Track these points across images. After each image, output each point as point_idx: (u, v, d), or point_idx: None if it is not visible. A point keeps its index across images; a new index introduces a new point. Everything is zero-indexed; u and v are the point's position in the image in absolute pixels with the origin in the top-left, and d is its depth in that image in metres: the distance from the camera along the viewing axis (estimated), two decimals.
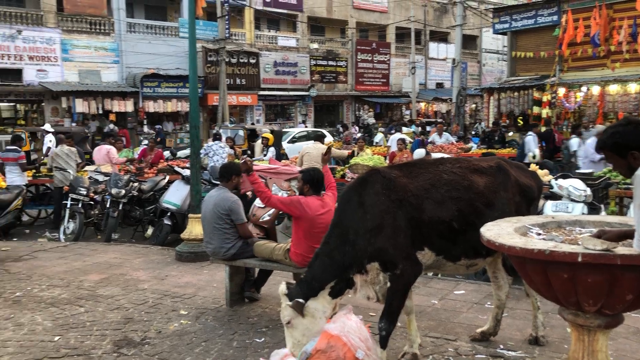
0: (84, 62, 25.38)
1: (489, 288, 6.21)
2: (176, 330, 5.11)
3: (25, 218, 11.23)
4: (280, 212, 7.51)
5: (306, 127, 25.24)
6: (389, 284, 3.95)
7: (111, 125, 24.59)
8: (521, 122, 23.35)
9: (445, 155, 9.70)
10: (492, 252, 4.13)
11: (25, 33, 23.71)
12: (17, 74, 23.76)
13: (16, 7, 24.28)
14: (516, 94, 23.03)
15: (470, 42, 40.58)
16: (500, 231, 3.18)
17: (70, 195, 9.70)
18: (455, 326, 5.12)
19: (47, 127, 18.14)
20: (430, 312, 5.49)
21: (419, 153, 9.49)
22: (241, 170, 5.48)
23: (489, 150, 14.23)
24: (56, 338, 4.93)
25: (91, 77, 25.45)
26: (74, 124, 23.86)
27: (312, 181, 5.25)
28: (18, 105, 25.79)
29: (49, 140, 15.62)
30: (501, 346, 4.58)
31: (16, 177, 10.62)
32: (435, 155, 9.72)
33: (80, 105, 24.06)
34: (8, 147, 11.03)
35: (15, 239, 9.86)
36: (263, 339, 4.86)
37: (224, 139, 13.81)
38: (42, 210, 11.82)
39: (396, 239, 3.85)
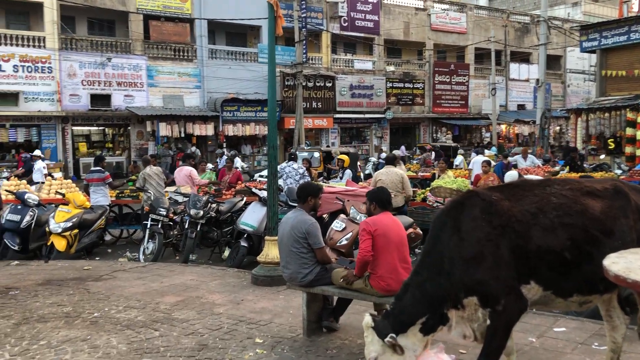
0: (167, 87, 26.34)
1: (594, 326, 5.58)
2: None
3: (108, 237, 11.48)
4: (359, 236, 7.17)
5: (381, 151, 24.73)
6: (488, 322, 3.50)
7: (193, 148, 25.29)
8: (612, 145, 21.92)
9: (539, 178, 9.04)
10: (610, 288, 3.59)
11: (114, 60, 24.92)
12: (106, 99, 24.96)
13: (107, 37, 25.61)
14: (607, 114, 21.68)
15: (553, 62, 38.97)
16: (629, 265, 2.68)
17: (150, 215, 9.78)
18: None
19: (37, 152, 18.20)
20: (529, 352, 4.92)
21: (512, 175, 8.88)
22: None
23: (586, 173, 13.26)
24: None
25: (174, 102, 26.33)
26: (157, 147, 24.72)
27: (378, 199, 5.14)
28: (107, 129, 27.03)
29: (43, 167, 15.67)
30: None
31: (100, 198, 10.89)
32: (529, 177, 9.06)
33: (164, 129, 24.91)
34: (92, 169, 11.37)
35: (97, 258, 10.04)
36: None
37: (300, 160, 13.65)
38: (124, 230, 12.05)
39: (498, 271, 3.40)
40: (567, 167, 15.83)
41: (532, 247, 3.45)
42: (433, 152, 23.01)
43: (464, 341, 4.07)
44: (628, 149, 20.35)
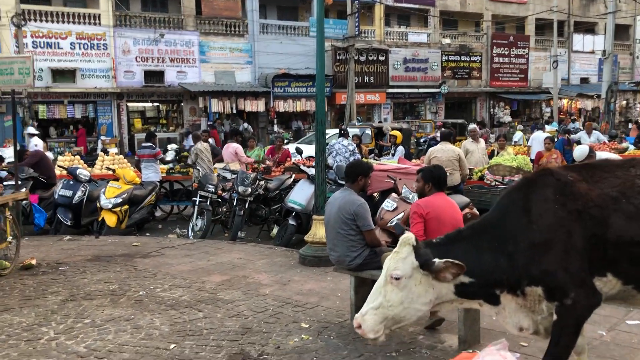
0: (219, 63, 26.34)
1: None
2: (296, 347, 4.60)
3: (158, 213, 11.52)
4: None
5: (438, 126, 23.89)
6: (555, 317, 3.10)
7: (245, 124, 25.29)
8: None
9: (613, 155, 8.36)
10: None
11: (167, 36, 25.07)
12: (159, 75, 25.18)
13: (160, 13, 25.74)
14: None
15: (621, 31, 36.73)
16: None
17: (199, 192, 9.70)
18: None
19: (31, 130, 18.10)
20: (599, 347, 4.47)
21: (582, 150, 8.19)
22: None
23: None
24: (172, 346, 4.63)
25: (226, 78, 26.32)
26: (209, 123, 24.84)
27: (434, 179, 4.81)
28: (160, 106, 27.36)
29: (35, 145, 15.32)
30: None
31: (151, 174, 10.92)
32: (601, 155, 8.38)
33: (216, 105, 24.97)
34: (144, 145, 11.39)
35: (148, 234, 10.06)
36: None
37: (350, 137, 13.27)
38: (174, 206, 12.07)
39: (570, 261, 2.99)
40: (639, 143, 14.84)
41: (612, 237, 3.02)
42: (438, 132, 21.78)
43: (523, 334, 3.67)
44: None
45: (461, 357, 3.55)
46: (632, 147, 14.97)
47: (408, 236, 3.23)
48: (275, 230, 9.62)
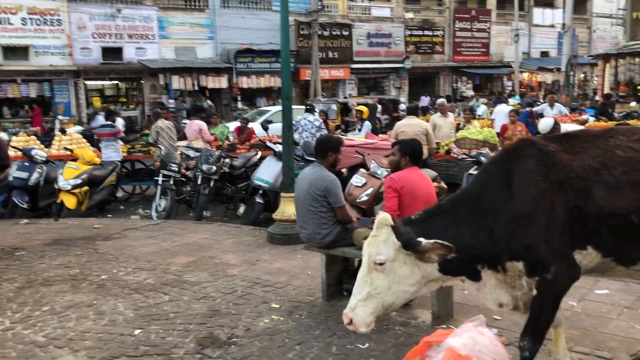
0: (179, 39, 25.61)
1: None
2: (267, 328, 4.47)
3: (120, 194, 11.17)
4: (380, 191, 6.72)
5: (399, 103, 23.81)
6: (535, 292, 3.03)
7: (208, 102, 24.75)
8: None
9: (576, 127, 8.41)
10: None
11: (124, 12, 24.19)
12: (117, 52, 24.33)
13: None
14: (637, 59, 20.63)
15: (579, 5, 37.04)
16: None
17: (161, 171, 9.40)
18: (606, 338, 4.10)
19: None
20: (571, 318, 4.47)
21: (547, 123, 8.21)
22: None
23: (623, 121, 12.54)
24: (137, 332, 4.44)
25: (187, 54, 25.64)
26: (171, 100, 24.23)
27: (412, 153, 4.71)
28: (120, 83, 26.52)
29: None
30: None
31: (112, 153, 10.57)
32: (565, 127, 8.42)
33: (177, 82, 24.34)
34: (103, 123, 10.99)
35: (110, 215, 9.75)
36: (367, 345, 4.10)
37: (316, 112, 13.06)
38: (136, 186, 11.72)
39: (552, 234, 2.91)
40: (599, 115, 15.07)
41: (593, 209, 2.95)
42: (380, 106, 21.76)
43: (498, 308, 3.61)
44: None
45: (437, 334, 3.47)
46: (592, 119, 15.22)
47: (384, 217, 3.09)
48: (242, 209, 9.43)
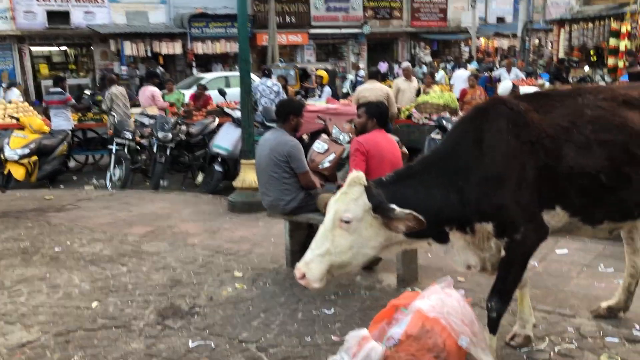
0: (130, 3, 24.62)
1: (597, 246, 5.23)
2: (230, 297, 4.36)
3: (72, 164, 10.75)
4: (343, 157, 6.64)
5: (359, 69, 23.58)
6: (503, 253, 3.00)
7: (161, 69, 24.00)
8: (594, 57, 21.39)
9: (535, 89, 8.46)
10: None
11: None
12: (64, 16, 23.23)
13: None
14: (590, 25, 20.90)
15: None
16: None
17: (115, 139, 9.06)
18: (568, 296, 4.16)
19: None
20: (533, 278, 4.49)
21: (506, 86, 8.24)
22: None
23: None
24: (94, 304, 4.26)
25: (138, 19, 24.71)
26: (124, 67, 23.40)
27: (380, 115, 4.60)
28: (68, 50, 25.42)
29: None
30: (637, 326, 3.60)
31: (62, 121, 10.12)
32: (524, 90, 8.46)
33: (129, 48, 23.48)
34: (52, 90, 10.47)
35: (62, 187, 9.36)
36: (333, 310, 4.05)
37: (274, 77, 12.77)
38: (89, 155, 11.30)
39: (522, 195, 2.87)
40: (554, 80, 15.31)
41: (563, 168, 2.91)
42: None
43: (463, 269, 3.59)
44: (610, 61, 19.76)
45: (404, 296, 3.44)
46: (547, 83, 15.45)
47: (358, 175, 2.97)
48: (200, 178, 9.19)
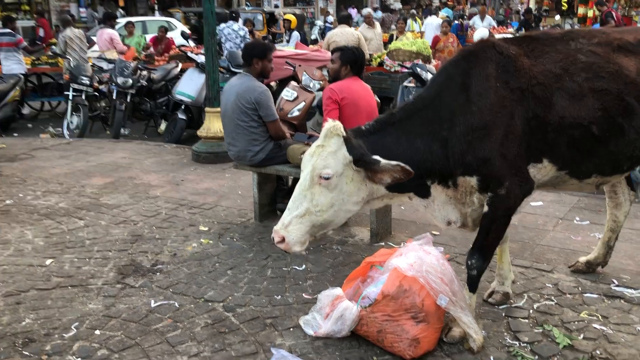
0: None
1: (572, 198, 5.16)
2: (195, 253, 4.13)
3: (26, 111, 10.18)
4: (313, 105, 6.33)
5: (328, 14, 22.90)
6: (486, 208, 2.82)
7: (121, 11, 22.87)
8: (565, 6, 21.22)
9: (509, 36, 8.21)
10: (637, 163, 2.97)
11: None
12: None
13: None
14: None
15: None
16: None
17: (72, 85, 8.54)
18: (544, 250, 4.06)
19: None
20: (509, 231, 4.38)
21: (482, 33, 7.97)
22: None
23: None
24: (48, 261, 3.98)
25: None
26: (82, 9, 22.21)
27: (354, 61, 4.31)
28: None
29: None
30: (614, 281, 3.52)
31: (14, 65, 9.56)
32: (499, 37, 8.18)
33: None
34: (1, 31, 9.78)
35: (15, 135, 8.86)
36: (304, 267, 3.86)
37: (241, 21, 12.19)
38: (45, 102, 10.72)
39: (508, 147, 2.66)
40: (523, 29, 15.12)
41: (554, 119, 2.70)
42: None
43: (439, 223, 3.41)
44: (580, 10, 19.62)
45: (380, 253, 3.27)
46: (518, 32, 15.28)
47: (335, 125, 2.70)
48: (163, 126, 8.80)
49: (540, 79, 2.70)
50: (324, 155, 2.65)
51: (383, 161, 2.57)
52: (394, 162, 2.56)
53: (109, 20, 10.60)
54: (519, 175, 2.74)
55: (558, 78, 2.72)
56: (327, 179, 2.65)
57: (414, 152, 2.66)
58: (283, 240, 2.72)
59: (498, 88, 2.65)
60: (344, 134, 2.66)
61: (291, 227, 2.69)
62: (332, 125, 2.67)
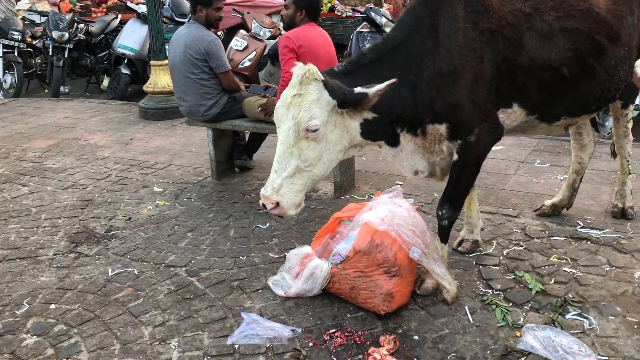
0: None
1: (531, 141, 5.17)
2: (151, 216, 3.92)
3: None
4: (264, 55, 6.07)
5: None
6: (455, 157, 2.73)
7: None
8: None
9: None
10: (603, 105, 2.92)
11: None
12: None
13: None
14: None
15: None
16: None
17: (1, 41, 7.93)
18: (509, 195, 4.04)
19: None
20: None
21: None
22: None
23: None
24: None
25: None
26: None
27: (309, 5, 4.02)
28: None
29: None
30: (580, 223, 3.54)
31: None
32: None
33: None
34: None
35: None
36: (267, 224, 3.72)
37: None
38: None
39: (478, 92, 2.54)
40: None
41: (524, 61, 2.59)
42: None
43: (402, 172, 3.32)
44: None
45: (348, 208, 3.16)
46: None
47: (309, 69, 2.47)
48: (106, 82, 8.36)
49: (509, 19, 2.56)
50: (306, 105, 2.43)
51: (369, 90, 2.39)
52: (378, 86, 2.39)
53: None
54: (488, 121, 2.64)
55: (528, 18, 2.59)
56: (315, 130, 2.45)
57: (385, 96, 2.49)
58: (277, 205, 2.52)
59: (467, 29, 2.50)
60: (322, 77, 2.46)
61: (283, 189, 2.49)
62: (306, 69, 2.45)
